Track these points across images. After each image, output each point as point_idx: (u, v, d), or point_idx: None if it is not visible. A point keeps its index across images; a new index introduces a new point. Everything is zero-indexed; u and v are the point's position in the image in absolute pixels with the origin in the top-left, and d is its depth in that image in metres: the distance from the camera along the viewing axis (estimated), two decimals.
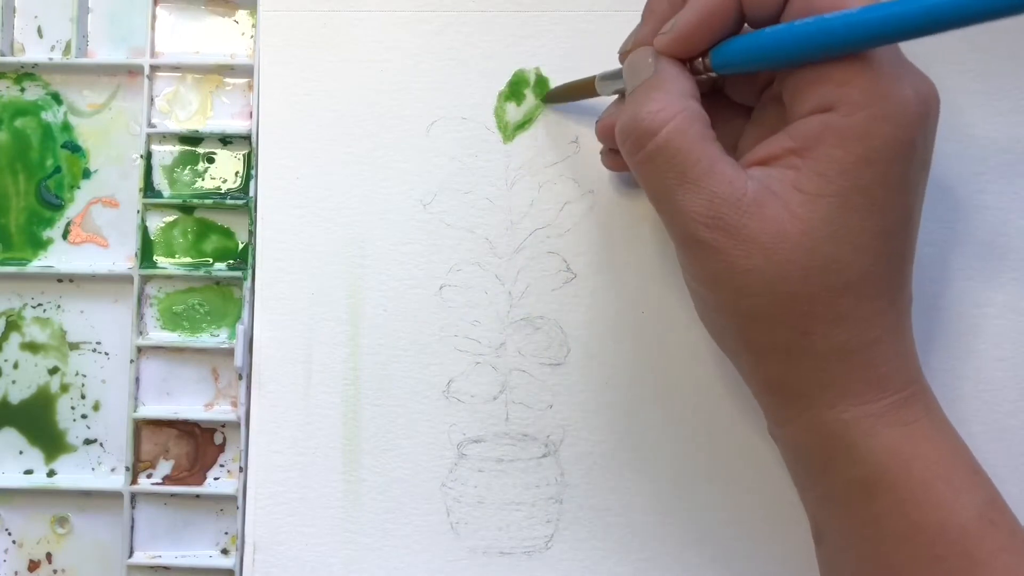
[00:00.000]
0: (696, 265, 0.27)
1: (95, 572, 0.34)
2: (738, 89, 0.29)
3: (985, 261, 0.33)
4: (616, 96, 0.31)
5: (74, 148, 0.36)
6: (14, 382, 0.35)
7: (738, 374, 0.29)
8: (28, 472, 0.35)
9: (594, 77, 0.31)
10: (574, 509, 0.33)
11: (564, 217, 0.34)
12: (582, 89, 0.32)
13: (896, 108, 0.24)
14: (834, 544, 0.28)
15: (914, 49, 0.25)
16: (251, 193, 0.35)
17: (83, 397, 0.35)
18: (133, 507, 0.34)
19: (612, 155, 0.32)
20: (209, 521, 0.34)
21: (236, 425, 0.34)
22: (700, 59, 0.27)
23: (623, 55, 0.29)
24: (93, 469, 0.35)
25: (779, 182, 0.25)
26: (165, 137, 0.35)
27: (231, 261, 0.35)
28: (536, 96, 0.34)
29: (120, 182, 0.35)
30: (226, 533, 0.34)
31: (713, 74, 0.27)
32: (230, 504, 0.34)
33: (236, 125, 0.36)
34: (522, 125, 0.34)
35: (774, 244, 0.25)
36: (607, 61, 0.30)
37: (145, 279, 0.35)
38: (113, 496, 0.34)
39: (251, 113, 0.35)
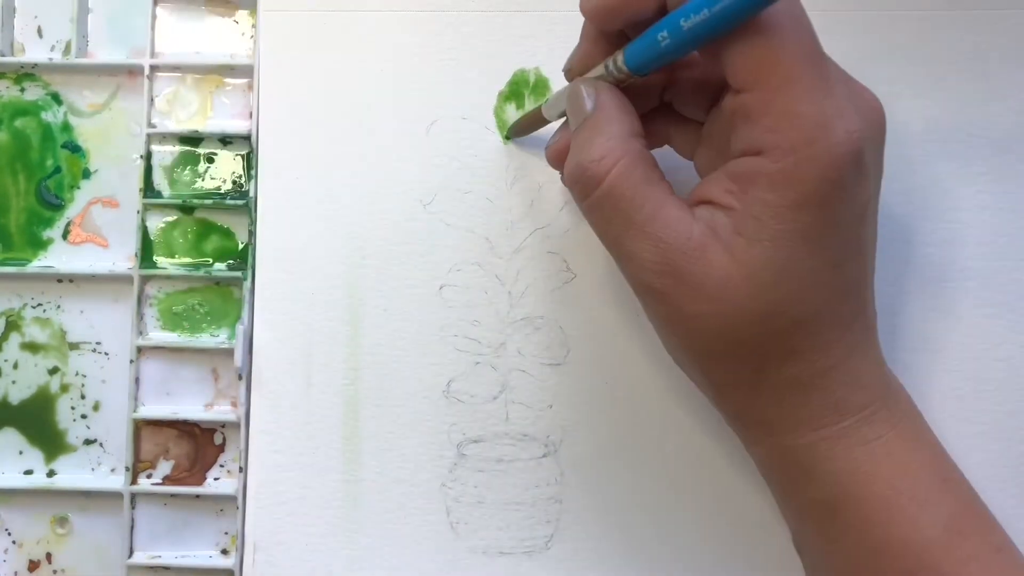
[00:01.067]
0: (649, 309, 0.27)
1: (95, 572, 0.34)
2: (686, 104, 0.29)
3: (985, 261, 0.33)
4: (563, 119, 0.30)
5: (74, 148, 0.36)
6: (14, 382, 0.35)
7: None
8: (28, 472, 0.35)
9: (540, 106, 0.31)
10: (574, 509, 0.33)
11: (564, 217, 0.34)
12: (535, 119, 0.32)
13: (823, 150, 0.23)
14: (810, 558, 0.29)
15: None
16: (251, 193, 0.35)
17: (83, 397, 0.35)
18: (133, 507, 0.34)
19: None
20: (209, 521, 0.34)
21: (236, 425, 0.34)
22: (615, 62, 0.26)
23: (566, 73, 0.29)
24: (93, 469, 0.35)
25: (721, 224, 0.25)
26: (165, 137, 0.35)
27: (231, 261, 0.35)
28: (536, 97, 0.34)
29: (120, 182, 0.35)
30: (226, 533, 0.34)
31: (633, 77, 0.26)
32: (230, 504, 0.34)
33: (236, 125, 0.36)
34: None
35: (719, 291, 0.25)
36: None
37: (145, 279, 0.35)
38: (113, 496, 0.34)
39: (251, 113, 0.35)
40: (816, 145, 0.23)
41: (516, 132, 0.34)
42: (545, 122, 0.31)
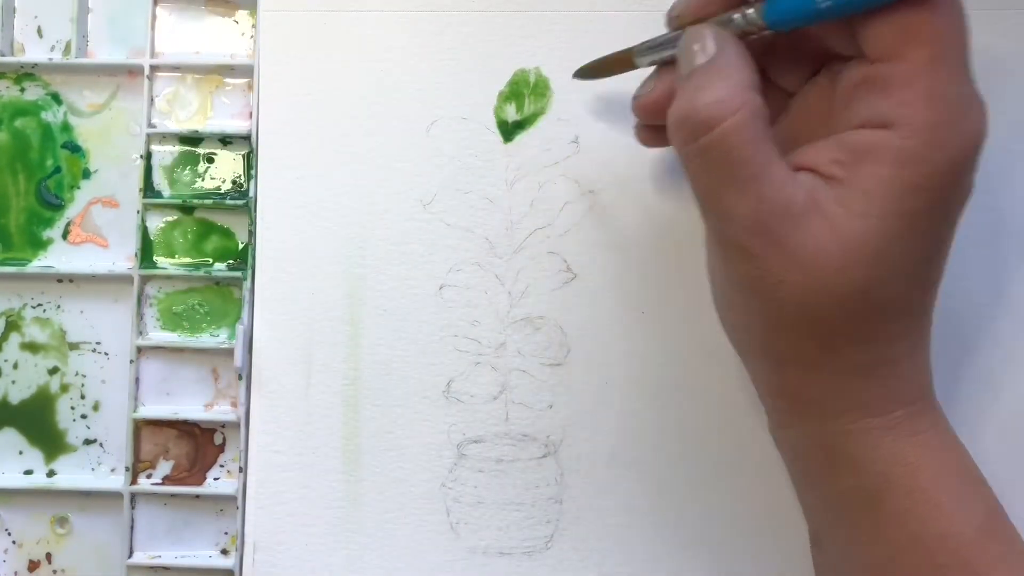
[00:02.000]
0: (730, 267, 0.26)
1: (95, 572, 0.34)
2: (783, 72, 0.28)
3: (985, 261, 0.33)
4: (653, 68, 0.29)
5: (74, 148, 0.36)
6: (14, 382, 0.35)
7: (738, 374, 0.29)
8: (28, 472, 0.35)
9: (631, 50, 0.29)
10: (574, 509, 0.33)
11: (564, 217, 0.34)
12: (618, 63, 0.30)
13: (956, 138, 0.23)
14: (832, 550, 0.28)
15: None
16: (251, 193, 0.35)
17: (83, 397, 0.35)
18: (133, 507, 0.34)
19: (649, 131, 0.30)
20: (209, 521, 0.34)
21: (236, 425, 0.34)
22: (746, 12, 0.25)
23: (672, 19, 0.27)
24: (93, 469, 0.35)
25: (824, 194, 0.24)
26: (165, 137, 0.35)
27: (231, 261, 0.35)
28: (536, 97, 0.34)
29: (120, 182, 0.35)
30: (226, 533, 0.34)
31: (766, 32, 0.25)
32: (230, 504, 0.34)
33: (236, 125, 0.36)
34: (522, 125, 0.34)
35: (813, 260, 0.24)
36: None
37: (145, 279, 0.35)
38: (113, 496, 0.34)
39: (251, 113, 0.35)
40: (951, 129, 0.23)
41: (588, 73, 0.32)
42: (627, 68, 0.30)
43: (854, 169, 0.24)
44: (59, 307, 0.35)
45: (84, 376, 0.35)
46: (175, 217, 0.35)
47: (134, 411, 0.34)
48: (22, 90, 0.36)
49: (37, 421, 0.35)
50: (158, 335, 0.35)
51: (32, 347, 0.35)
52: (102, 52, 0.36)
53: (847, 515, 0.27)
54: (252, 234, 0.34)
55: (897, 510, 0.25)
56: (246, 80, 0.36)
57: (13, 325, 0.35)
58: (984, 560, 0.25)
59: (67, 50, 0.36)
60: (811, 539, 0.29)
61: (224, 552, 0.34)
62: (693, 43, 0.25)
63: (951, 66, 0.23)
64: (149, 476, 0.35)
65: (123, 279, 0.35)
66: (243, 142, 0.35)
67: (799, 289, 0.24)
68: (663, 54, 0.28)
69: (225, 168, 0.35)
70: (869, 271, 0.24)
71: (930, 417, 0.26)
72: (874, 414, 0.26)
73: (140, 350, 0.35)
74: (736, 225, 0.24)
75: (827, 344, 0.25)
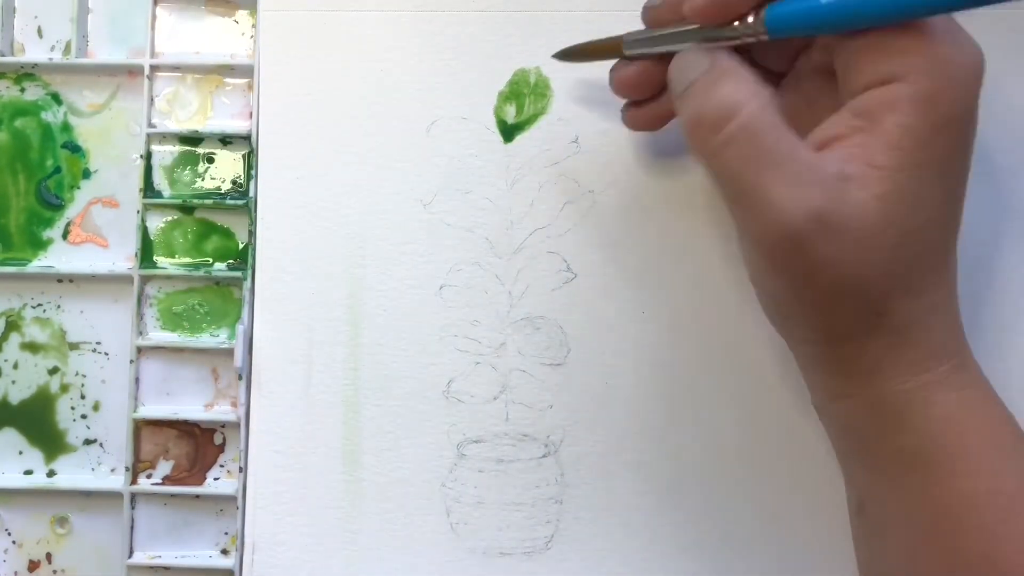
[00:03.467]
0: (783, 258, 0.25)
1: (95, 572, 0.34)
2: (771, 54, 0.28)
3: (985, 261, 0.33)
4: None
5: (74, 148, 0.36)
6: (14, 382, 0.35)
7: (739, 374, 0.29)
8: (28, 472, 0.35)
9: (620, 38, 0.29)
10: (574, 509, 0.33)
11: (564, 217, 0.34)
12: (605, 49, 0.30)
13: (959, 72, 0.24)
14: (877, 513, 0.27)
15: None
16: (251, 193, 0.35)
17: (83, 397, 0.35)
18: (133, 507, 0.34)
19: (635, 111, 0.31)
20: (209, 521, 0.34)
21: (236, 425, 0.34)
22: (745, 20, 0.25)
23: (649, 10, 0.28)
24: (93, 469, 0.35)
25: (851, 163, 0.24)
26: (165, 137, 0.35)
27: (231, 261, 0.35)
28: (536, 97, 0.34)
29: (120, 182, 0.35)
30: (226, 533, 0.34)
31: (765, 38, 0.25)
32: (230, 504, 0.34)
33: (236, 125, 0.36)
34: (522, 125, 0.34)
35: (860, 231, 0.24)
36: (608, 60, 0.30)
37: (145, 279, 0.35)
38: (113, 496, 0.34)
39: (251, 113, 0.35)
40: (953, 64, 0.24)
41: (571, 56, 0.32)
42: (613, 56, 0.30)
43: (875, 129, 0.24)
44: (59, 307, 0.35)
45: (84, 376, 0.35)
46: (175, 217, 0.35)
47: (134, 411, 0.34)
48: (22, 90, 0.36)
49: (37, 421, 0.35)
50: (158, 335, 0.35)
51: (32, 347, 0.35)
52: (102, 52, 0.36)
53: (895, 477, 0.26)
54: (252, 234, 0.34)
55: (946, 470, 0.25)
56: (246, 80, 0.36)
57: (13, 325, 0.35)
58: None
59: (67, 50, 0.36)
60: (854, 508, 0.29)
61: (224, 552, 0.34)
62: (684, 63, 0.26)
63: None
64: (149, 476, 0.35)
65: (123, 279, 0.35)
66: (243, 142, 0.35)
67: (853, 265, 0.24)
68: (653, 49, 0.28)
69: (225, 168, 0.35)
70: (908, 221, 0.24)
71: (971, 369, 0.26)
72: (924, 370, 0.25)
73: (140, 350, 0.35)
74: (785, 212, 0.24)
75: (881, 308, 0.25)
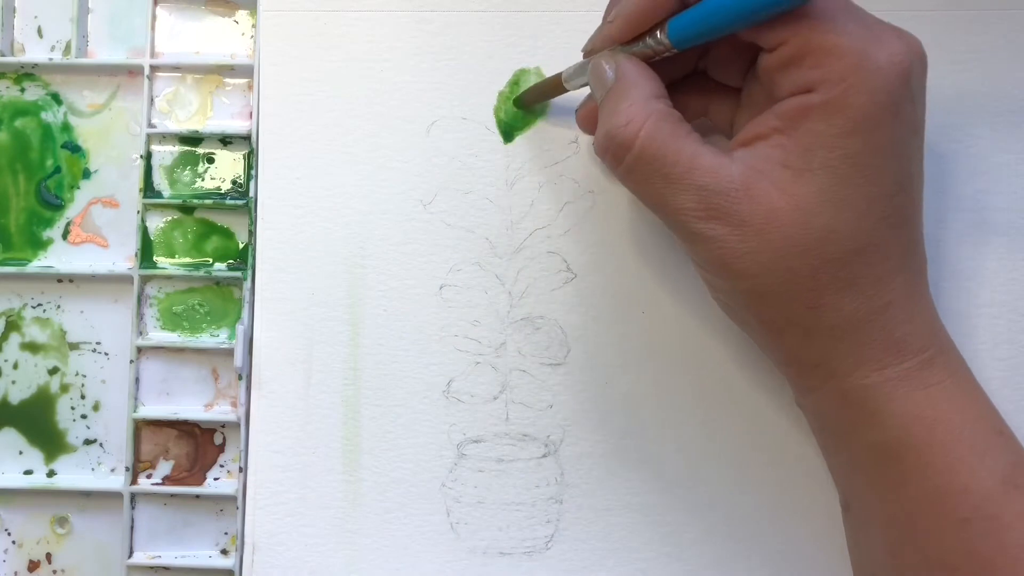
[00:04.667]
0: (698, 255, 0.27)
1: (95, 572, 0.34)
2: (721, 71, 0.30)
3: (983, 261, 0.33)
4: (586, 88, 0.31)
5: (74, 148, 0.36)
6: (14, 382, 0.35)
7: (738, 373, 0.29)
8: (28, 472, 0.35)
9: (560, 75, 0.31)
10: (574, 509, 0.33)
11: (564, 217, 0.34)
12: (551, 88, 0.32)
13: (872, 77, 0.25)
14: (860, 510, 0.28)
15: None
16: (251, 193, 0.35)
17: (83, 397, 0.35)
18: (133, 507, 0.34)
19: (586, 110, 0.33)
20: (209, 521, 0.34)
21: (236, 425, 0.34)
22: (655, 35, 0.27)
23: (586, 53, 0.29)
24: (93, 469, 0.35)
25: (765, 161, 0.26)
26: (165, 137, 0.35)
27: (231, 261, 0.35)
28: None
29: (120, 182, 0.35)
30: (226, 533, 0.34)
31: (675, 51, 0.27)
32: (230, 504, 0.34)
33: (236, 125, 0.36)
34: (522, 125, 0.34)
35: (767, 224, 0.25)
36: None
37: (145, 279, 0.35)
38: (113, 496, 0.34)
39: (251, 113, 0.35)
40: (862, 71, 0.24)
41: (529, 100, 0.34)
42: (561, 91, 0.32)
43: (791, 132, 0.25)
44: (59, 307, 0.35)
45: (84, 376, 0.35)
46: (175, 217, 0.35)
47: (134, 411, 0.34)
48: (22, 90, 0.36)
49: (37, 421, 0.35)
50: (158, 335, 0.35)
51: (32, 347, 0.35)
52: (102, 52, 0.36)
53: (871, 473, 0.27)
54: (252, 234, 0.34)
55: (918, 465, 0.25)
56: (246, 80, 0.36)
57: (13, 325, 0.35)
58: (1009, 512, 0.25)
59: (67, 50, 0.36)
60: (841, 504, 0.29)
61: (224, 552, 0.34)
62: (595, 76, 0.28)
63: (840, 21, 0.25)
64: (149, 476, 0.35)
65: (123, 279, 0.35)
66: (243, 142, 0.35)
67: (763, 256, 0.25)
68: (584, 79, 0.30)
69: (225, 168, 0.35)
70: (826, 219, 0.25)
71: (946, 366, 0.26)
72: (883, 366, 0.26)
73: (140, 350, 0.35)
74: (689, 218, 0.26)
75: (812, 302, 0.26)
